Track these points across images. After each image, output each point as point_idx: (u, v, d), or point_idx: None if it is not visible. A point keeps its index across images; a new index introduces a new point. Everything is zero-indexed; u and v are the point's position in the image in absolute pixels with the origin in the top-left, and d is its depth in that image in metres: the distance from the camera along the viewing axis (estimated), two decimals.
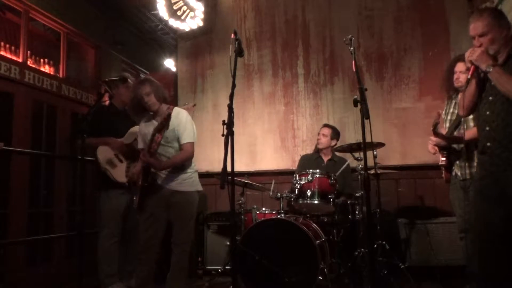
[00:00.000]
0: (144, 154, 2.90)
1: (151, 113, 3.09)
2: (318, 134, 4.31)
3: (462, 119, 3.07)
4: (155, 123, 3.03)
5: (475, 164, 2.92)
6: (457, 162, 3.08)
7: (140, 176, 3.00)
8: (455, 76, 3.11)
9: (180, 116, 3.03)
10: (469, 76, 2.32)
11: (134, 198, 3.04)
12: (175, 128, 3.00)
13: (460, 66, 3.09)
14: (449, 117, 3.23)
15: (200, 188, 3.14)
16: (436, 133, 3.11)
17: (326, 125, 4.34)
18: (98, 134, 3.50)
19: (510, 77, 2.17)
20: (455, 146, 3.12)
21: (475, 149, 2.91)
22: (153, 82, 3.05)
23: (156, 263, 3.06)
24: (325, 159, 4.28)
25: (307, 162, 4.27)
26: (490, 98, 2.31)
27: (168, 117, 2.81)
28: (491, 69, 2.19)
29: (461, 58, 3.12)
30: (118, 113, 3.68)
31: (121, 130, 3.54)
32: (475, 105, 2.41)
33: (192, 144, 3.05)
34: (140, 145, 3.14)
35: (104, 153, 3.48)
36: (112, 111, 3.70)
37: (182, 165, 3.03)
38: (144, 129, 3.11)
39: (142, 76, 6.47)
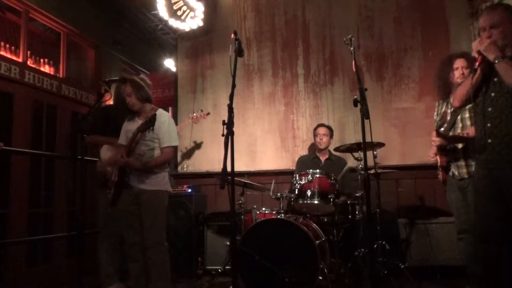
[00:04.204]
0: (123, 155, 2.89)
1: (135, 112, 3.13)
2: (316, 136, 4.29)
3: (458, 118, 3.06)
4: (138, 121, 3.04)
5: (472, 163, 2.90)
6: (454, 161, 3.06)
7: (115, 172, 2.99)
8: (459, 72, 3.02)
9: (162, 119, 2.99)
10: (476, 66, 2.29)
11: (108, 191, 3.03)
12: (155, 129, 2.94)
13: (461, 62, 3.02)
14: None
15: (169, 189, 3.07)
16: (438, 133, 3.10)
17: (321, 125, 4.34)
18: (104, 133, 3.49)
19: None
20: (455, 145, 3.10)
21: (473, 149, 2.90)
22: (134, 83, 3.06)
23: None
24: (323, 159, 4.28)
25: (304, 164, 4.27)
26: (492, 94, 2.30)
27: (153, 118, 2.79)
28: (499, 60, 2.17)
29: (457, 55, 3.10)
30: (126, 113, 3.67)
31: None
32: (471, 98, 2.39)
33: (171, 148, 3.02)
34: (122, 141, 3.13)
35: (107, 152, 3.48)
36: (120, 111, 3.68)
37: None
38: (127, 126, 3.13)
39: (143, 75, 6.47)
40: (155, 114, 2.82)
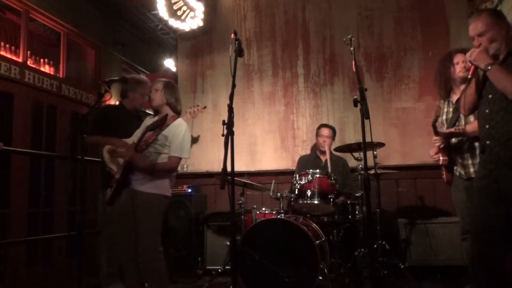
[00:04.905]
0: (129, 149, 2.86)
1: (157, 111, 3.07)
2: (319, 136, 4.24)
3: (460, 115, 3.04)
4: None
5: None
6: (460, 160, 2.99)
7: (119, 170, 2.96)
8: (460, 66, 3.00)
9: (180, 128, 2.94)
10: (469, 76, 2.34)
11: (108, 190, 2.98)
12: (169, 136, 2.91)
13: (461, 56, 2.99)
14: (444, 117, 3.19)
15: (167, 193, 2.96)
16: (436, 131, 3.08)
17: (325, 126, 4.30)
18: (105, 133, 3.47)
19: (508, 74, 2.18)
20: (460, 144, 3.03)
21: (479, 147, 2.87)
22: (169, 86, 3.03)
23: None
24: (324, 159, 4.27)
25: (305, 163, 4.26)
26: (490, 96, 2.32)
27: (163, 118, 2.76)
28: (489, 68, 2.21)
29: (457, 51, 3.09)
30: (127, 113, 3.66)
31: (130, 130, 3.50)
32: (476, 104, 2.42)
33: (178, 159, 2.94)
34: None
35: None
36: (121, 111, 3.67)
37: None
38: (145, 124, 3.07)
39: (143, 76, 6.47)
40: (166, 115, 2.77)
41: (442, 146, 3.08)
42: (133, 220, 2.87)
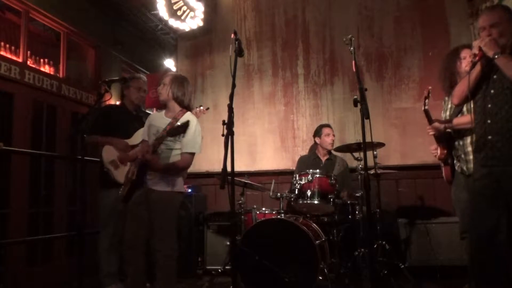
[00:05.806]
0: (148, 151, 2.83)
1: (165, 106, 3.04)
2: (325, 135, 4.21)
3: (463, 108, 3.02)
4: (165, 118, 2.97)
5: None
6: (463, 156, 2.94)
7: (133, 169, 2.96)
8: (467, 60, 2.98)
9: (190, 124, 2.89)
10: (476, 60, 2.34)
11: (122, 188, 2.98)
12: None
13: (468, 51, 2.98)
14: (448, 113, 3.19)
15: (181, 189, 2.97)
16: (430, 119, 3.07)
17: (326, 125, 4.31)
18: (105, 133, 3.47)
19: None
20: (463, 137, 2.99)
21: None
22: (177, 80, 3.00)
23: (149, 263, 2.99)
24: (323, 159, 4.27)
25: (305, 164, 4.26)
26: (492, 91, 2.32)
27: (185, 125, 2.72)
28: (497, 56, 2.22)
29: (464, 46, 3.10)
30: (128, 113, 3.65)
31: (130, 131, 3.51)
32: (471, 95, 2.40)
33: (192, 155, 2.94)
34: (144, 135, 3.04)
35: (109, 153, 3.46)
36: (122, 111, 3.67)
37: None
38: (152, 120, 3.04)
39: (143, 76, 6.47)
40: (188, 122, 2.74)
41: (436, 134, 3.07)
42: (146, 220, 2.87)
